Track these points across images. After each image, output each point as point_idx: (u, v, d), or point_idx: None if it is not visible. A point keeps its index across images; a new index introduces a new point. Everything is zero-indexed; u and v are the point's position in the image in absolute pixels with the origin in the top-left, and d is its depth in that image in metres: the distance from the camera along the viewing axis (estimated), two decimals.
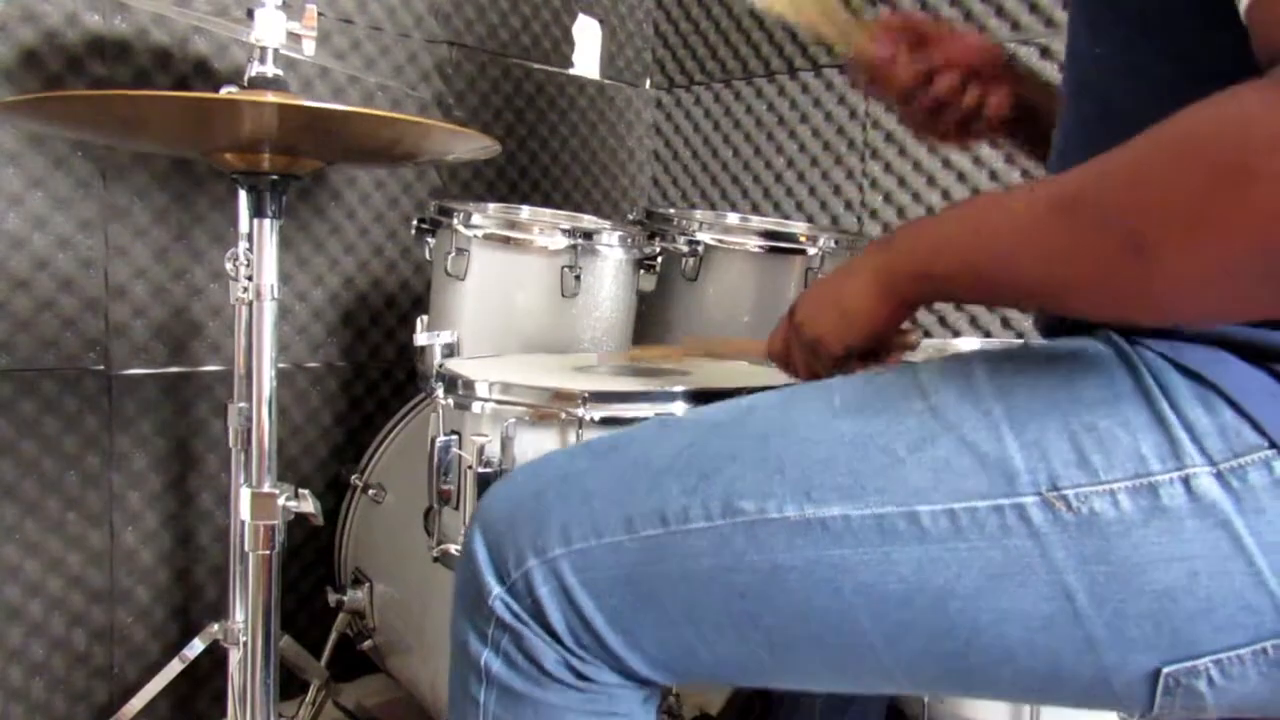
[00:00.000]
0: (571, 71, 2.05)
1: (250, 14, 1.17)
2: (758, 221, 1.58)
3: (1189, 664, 0.57)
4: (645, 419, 0.95)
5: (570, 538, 0.67)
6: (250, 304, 1.17)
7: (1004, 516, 0.58)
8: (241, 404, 1.28)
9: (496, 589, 0.68)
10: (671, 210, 1.52)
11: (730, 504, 0.63)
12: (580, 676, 0.68)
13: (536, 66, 1.98)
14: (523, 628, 0.68)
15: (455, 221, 1.35)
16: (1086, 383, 0.60)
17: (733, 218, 1.61)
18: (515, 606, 0.68)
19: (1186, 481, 0.56)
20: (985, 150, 1.69)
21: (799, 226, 1.51)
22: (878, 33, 0.92)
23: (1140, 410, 0.58)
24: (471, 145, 1.17)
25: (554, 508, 0.68)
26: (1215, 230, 0.47)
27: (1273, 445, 0.55)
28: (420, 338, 1.37)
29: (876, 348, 0.74)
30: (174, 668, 1.34)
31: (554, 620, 0.67)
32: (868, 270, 0.69)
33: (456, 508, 1.02)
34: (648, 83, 2.21)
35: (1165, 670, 0.57)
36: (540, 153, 2.01)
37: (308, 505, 1.17)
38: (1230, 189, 0.46)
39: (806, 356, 0.76)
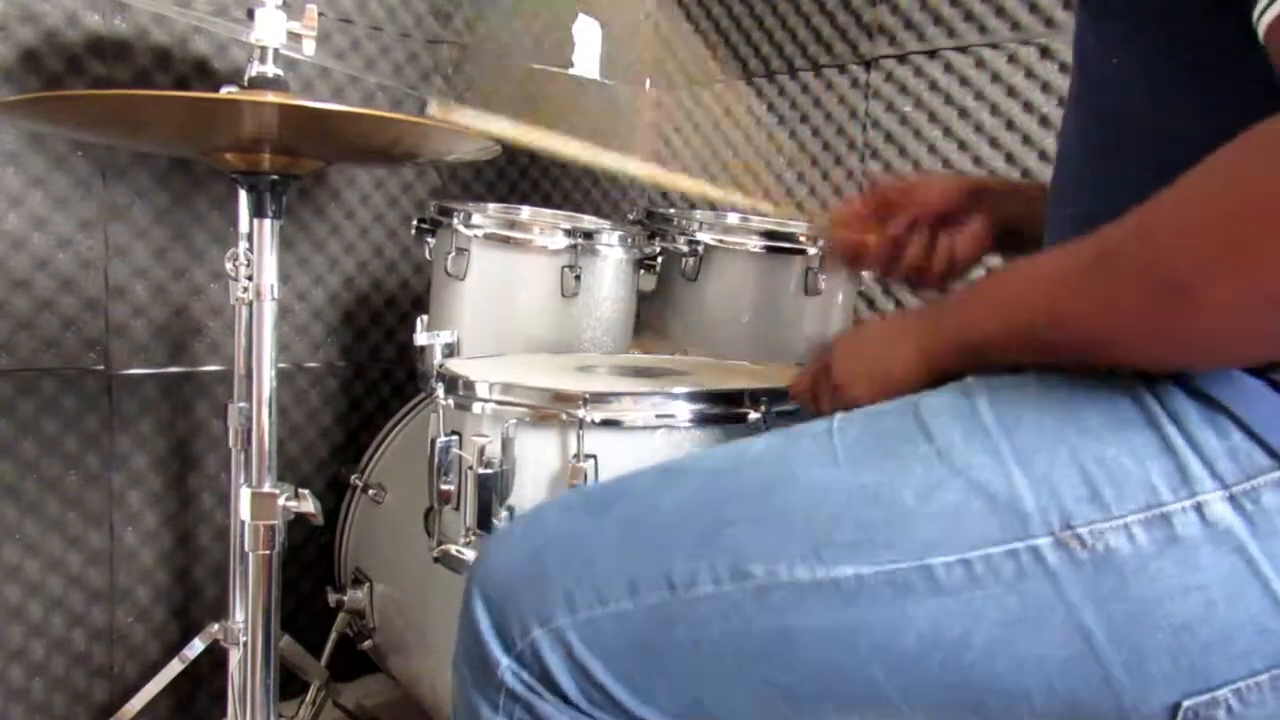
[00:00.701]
0: (571, 71, 2.05)
1: (250, 14, 1.17)
2: (758, 221, 1.58)
3: (1208, 695, 0.56)
4: (645, 422, 0.95)
5: (575, 606, 0.65)
6: (250, 304, 1.17)
7: (1019, 560, 0.57)
8: (241, 404, 1.28)
9: (504, 660, 0.67)
10: (671, 210, 1.52)
11: (739, 567, 0.62)
12: None
13: (536, 67, 1.98)
14: (534, 697, 0.67)
15: (455, 221, 1.35)
16: (1090, 410, 0.59)
17: (733, 218, 1.61)
18: (525, 676, 0.67)
19: (1200, 509, 0.55)
20: (986, 150, 1.68)
21: (799, 226, 1.51)
22: (841, 223, 0.94)
23: (1148, 437, 0.57)
24: (471, 145, 1.17)
25: (554, 573, 0.67)
26: (1256, 271, 0.47)
27: None
28: (420, 338, 1.37)
29: None
30: (174, 668, 1.34)
31: (565, 686, 0.66)
32: (914, 346, 0.68)
33: (457, 508, 1.02)
34: (648, 83, 2.21)
35: (1185, 704, 0.56)
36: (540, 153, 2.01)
37: (308, 505, 1.17)
38: (1271, 232, 0.46)
39: (837, 409, 0.74)
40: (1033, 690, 0.59)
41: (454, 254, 1.35)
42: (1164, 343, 0.54)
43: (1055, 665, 0.57)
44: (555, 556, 0.68)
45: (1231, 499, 0.54)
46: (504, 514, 0.97)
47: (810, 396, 0.79)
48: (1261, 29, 0.49)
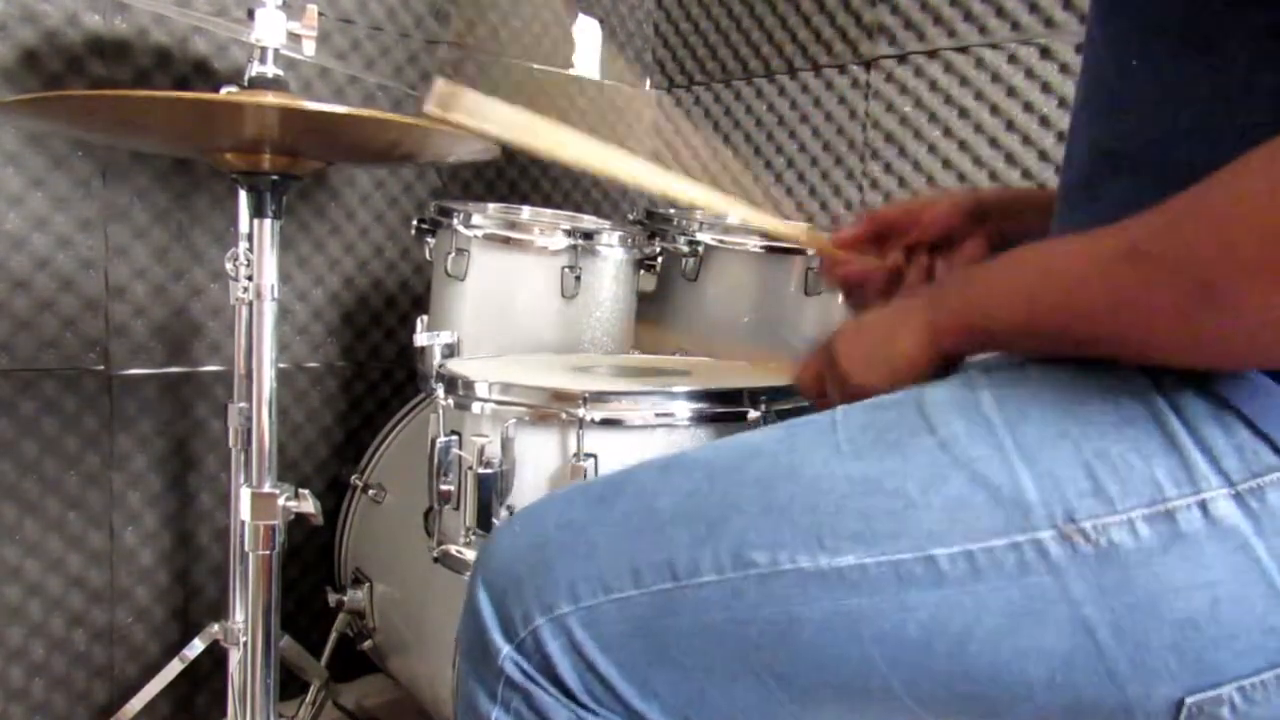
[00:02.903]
0: (571, 71, 2.05)
1: (250, 14, 1.17)
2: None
3: (1213, 693, 0.56)
4: (645, 421, 0.95)
5: (578, 594, 0.65)
6: (250, 304, 1.17)
7: (1021, 553, 0.57)
8: (241, 404, 1.29)
9: (505, 648, 0.67)
10: (671, 210, 1.52)
11: (741, 555, 0.62)
12: None
13: (536, 67, 1.98)
14: (534, 687, 0.66)
15: (455, 222, 1.35)
16: (1096, 406, 0.58)
17: (733, 218, 1.61)
18: (525, 665, 0.66)
19: (1204, 506, 0.54)
20: (986, 150, 1.68)
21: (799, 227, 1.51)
22: (839, 248, 0.91)
23: (1153, 434, 0.56)
24: (472, 146, 1.17)
25: (557, 562, 0.67)
26: None
27: None
28: (420, 338, 1.37)
29: None
30: (174, 668, 1.34)
31: (566, 676, 0.65)
32: (920, 327, 0.67)
33: (456, 508, 1.02)
34: (648, 83, 2.21)
35: (1189, 700, 0.56)
36: None
37: (308, 505, 1.17)
38: None
39: (845, 399, 0.72)
40: (1035, 684, 0.58)
41: (454, 254, 1.35)
42: (1199, 344, 0.53)
43: (1058, 658, 0.57)
44: (559, 546, 0.67)
45: (1237, 496, 0.54)
46: (504, 514, 0.97)
47: (816, 391, 0.77)
48: None
